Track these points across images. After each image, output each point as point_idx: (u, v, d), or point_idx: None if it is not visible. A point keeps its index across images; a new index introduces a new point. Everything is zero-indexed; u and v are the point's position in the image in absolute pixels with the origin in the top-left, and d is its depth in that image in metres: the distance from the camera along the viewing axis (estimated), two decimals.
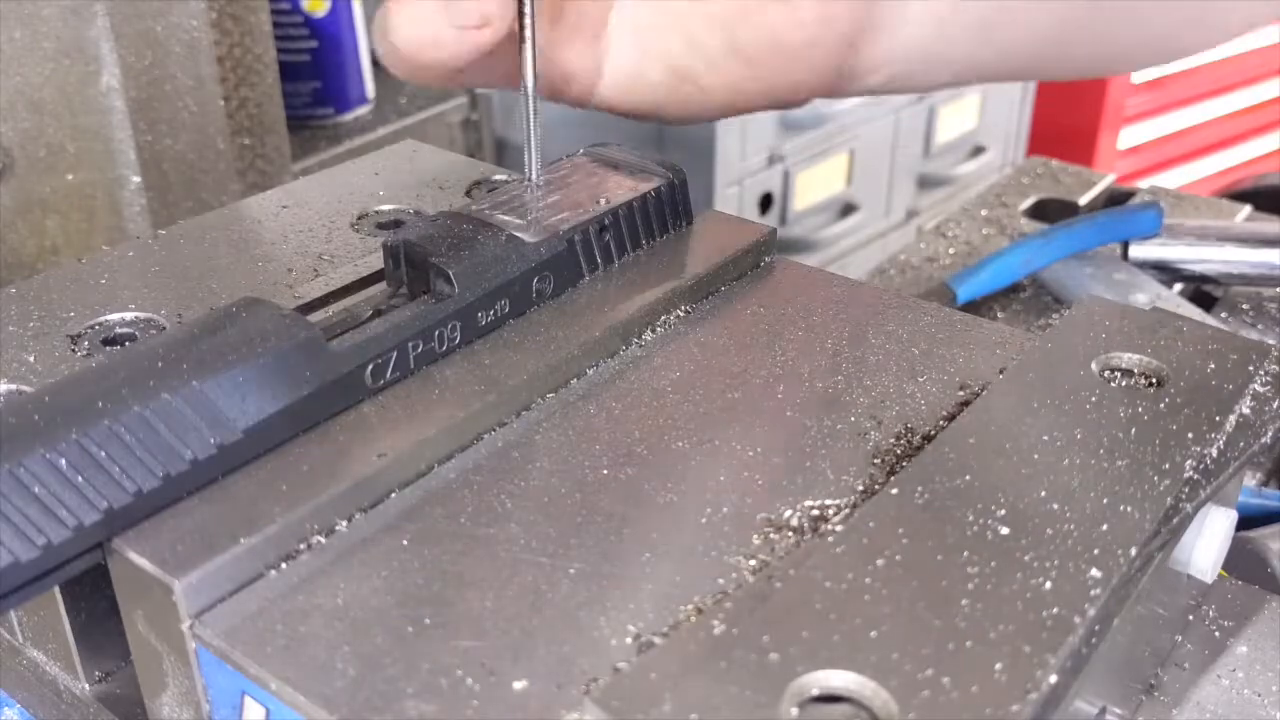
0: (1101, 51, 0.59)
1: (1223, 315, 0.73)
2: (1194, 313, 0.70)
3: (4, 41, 0.77)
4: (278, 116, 1.01)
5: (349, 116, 1.29)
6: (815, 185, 1.64)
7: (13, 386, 0.40)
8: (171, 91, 0.86)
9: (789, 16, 0.51)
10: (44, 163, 0.82)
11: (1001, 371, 0.41)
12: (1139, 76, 2.02)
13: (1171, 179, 2.16)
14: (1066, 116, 2.04)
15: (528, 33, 0.46)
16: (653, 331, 0.45)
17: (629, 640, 0.31)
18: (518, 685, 0.30)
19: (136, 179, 0.85)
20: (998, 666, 0.28)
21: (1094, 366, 0.40)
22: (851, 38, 0.53)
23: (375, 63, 1.33)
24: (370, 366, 0.38)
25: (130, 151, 0.84)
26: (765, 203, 1.58)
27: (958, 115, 1.82)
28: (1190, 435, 0.37)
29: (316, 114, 1.27)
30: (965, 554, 0.32)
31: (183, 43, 0.86)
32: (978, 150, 1.89)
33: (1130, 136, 2.11)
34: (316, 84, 1.26)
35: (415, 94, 1.36)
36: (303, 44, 1.24)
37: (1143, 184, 0.94)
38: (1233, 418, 0.38)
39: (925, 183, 1.83)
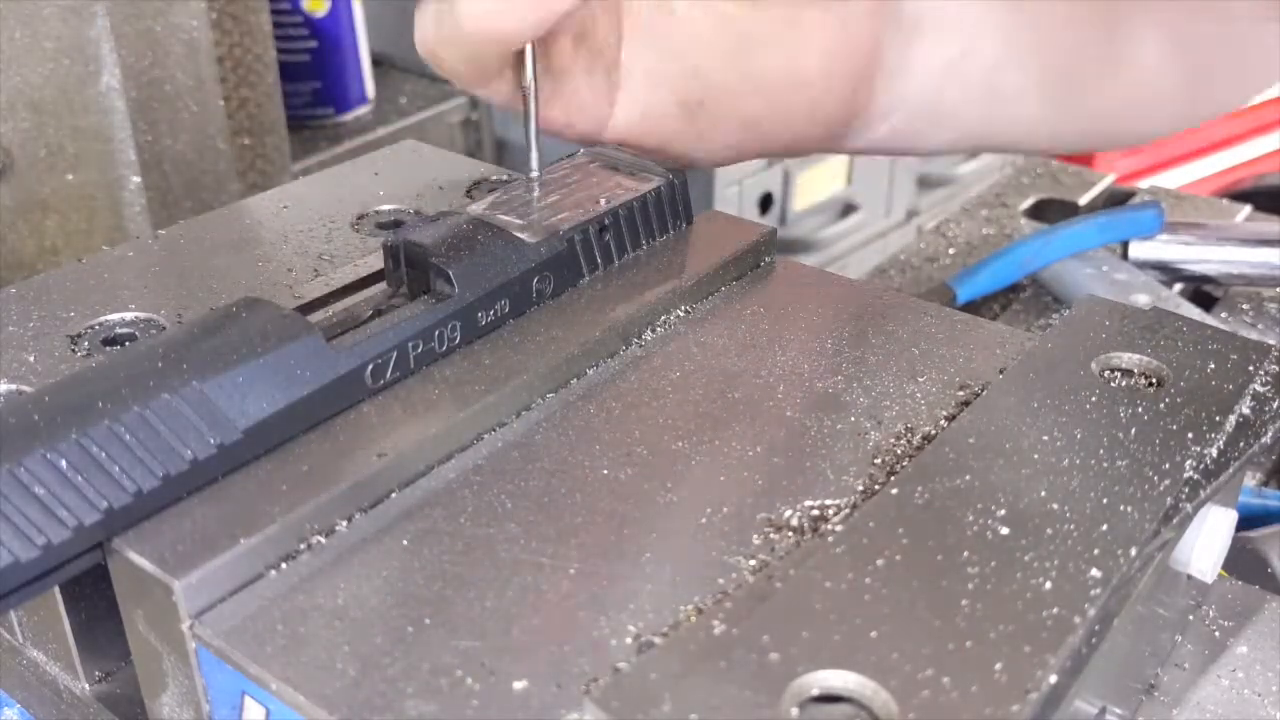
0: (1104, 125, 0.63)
1: (1223, 315, 0.73)
2: (1194, 313, 0.70)
3: (4, 41, 0.77)
4: (278, 117, 1.01)
5: (349, 116, 1.29)
6: (815, 185, 1.64)
7: (13, 386, 0.40)
8: (171, 92, 0.86)
9: (802, 43, 0.52)
10: (44, 163, 0.82)
11: (1001, 371, 0.41)
12: None
13: (1172, 179, 2.15)
14: None
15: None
16: (653, 331, 0.45)
17: (629, 640, 0.31)
18: (518, 685, 0.30)
19: (136, 179, 0.85)
20: (998, 666, 0.28)
21: (1094, 366, 0.40)
22: (860, 74, 0.54)
23: (376, 62, 1.33)
24: (370, 366, 0.38)
25: (130, 152, 0.84)
26: (765, 203, 1.58)
27: None
28: (1190, 435, 0.37)
29: (316, 114, 1.27)
30: (965, 554, 0.32)
31: (183, 43, 0.86)
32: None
33: None
34: (316, 84, 1.26)
35: (415, 94, 1.36)
36: (302, 44, 1.24)
37: (1143, 184, 0.94)
38: (1233, 418, 0.38)
39: (925, 183, 1.82)
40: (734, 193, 1.52)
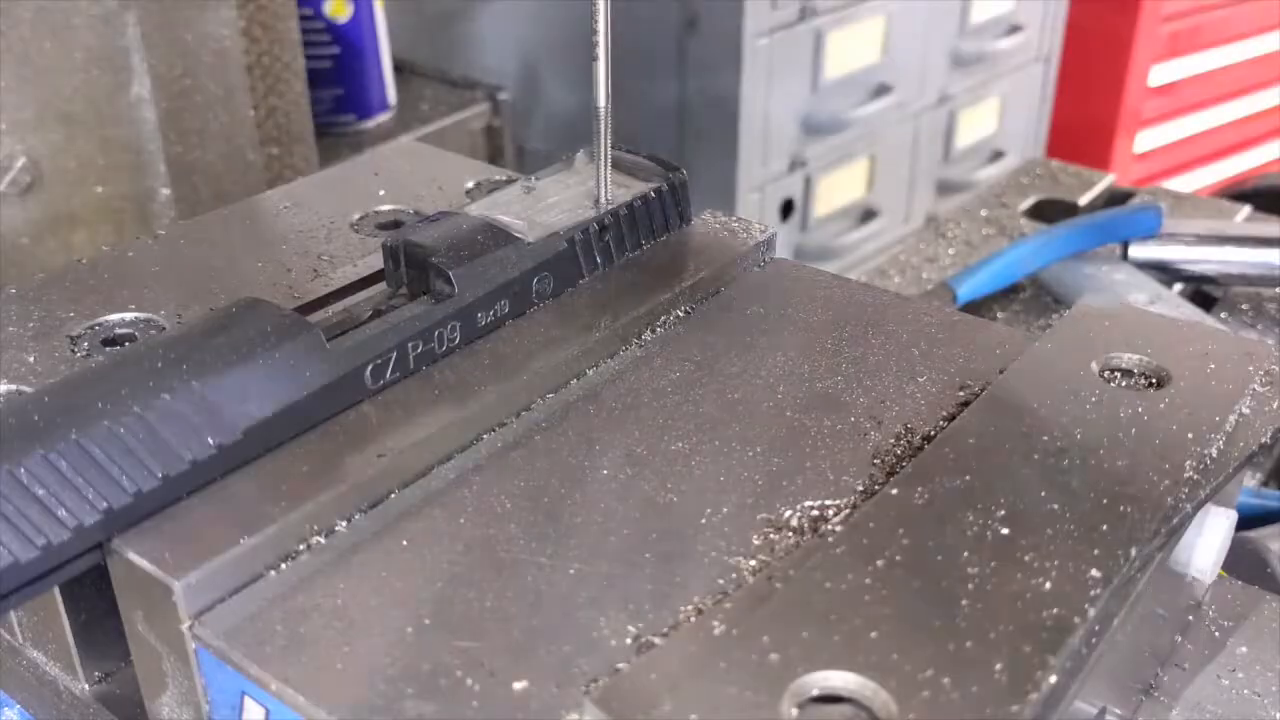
0: None
1: (1223, 315, 0.73)
2: (1194, 313, 0.70)
3: (34, 52, 0.77)
4: (305, 125, 1.00)
5: (371, 123, 1.28)
6: (836, 191, 1.63)
7: (13, 386, 0.40)
8: (202, 102, 0.85)
9: None
10: (74, 175, 0.81)
11: (1001, 371, 0.41)
12: (1155, 79, 2.02)
13: (1188, 183, 2.14)
14: (1084, 121, 2.03)
15: (600, 50, 0.44)
16: (653, 331, 0.45)
17: (629, 640, 0.31)
18: (518, 685, 0.30)
19: (166, 191, 0.85)
20: (998, 666, 0.28)
21: (1094, 366, 0.40)
22: None
23: (397, 69, 1.33)
24: (370, 366, 0.38)
25: (160, 163, 0.84)
26: (787, 209, 1.58)
27: (977, 119, 1.82)
28: (1190, 435, 0.37)
29: (339, 121, 1.26)
30: (965, 554, 0.32)
31: (213, 52, 0.85)
32: (997, 155, 1.89)
33: (1147, 140, 2.10)
34: (339, 90, 1.25)
35: (436, 100, 1.36)
36: (325, 50, 1.23)
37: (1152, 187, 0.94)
38: (1233, 418, 0.38)
39: (945, 188, 1.82)
40: (755, 199, 1.52)
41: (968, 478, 0.35)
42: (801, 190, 1.59)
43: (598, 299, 0.45)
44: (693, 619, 0.32)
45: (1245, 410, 0.38)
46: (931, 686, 0.27)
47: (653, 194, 0.48)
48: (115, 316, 0.45)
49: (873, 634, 0.29)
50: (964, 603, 0.30)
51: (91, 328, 0.44)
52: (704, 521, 0.35)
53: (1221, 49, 2.05)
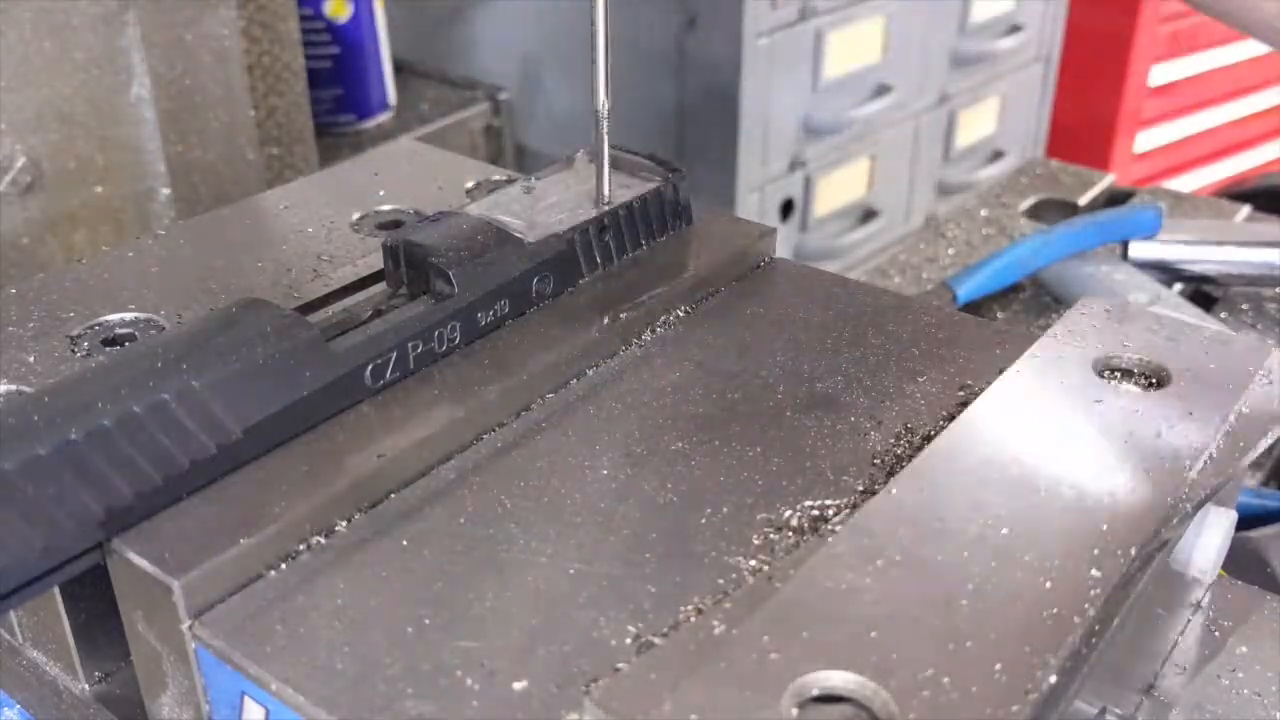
0: None
1: (1223, 315, 0.73)
2: (1194, 313, 0.70)
3: (33, 52, 0.76)
4: (305, 125, 1.00)
5: (371, 123, 1.28)
6: (836, 191, 1.63)
7: (13, 387, 0.40)
8: (202, 102, 0.85)
9: None
10: (74, 175, 0.81)
11: (1001, 371, 0.41)
12: (1155, 79, 2.02)
13: (1188, 183, 2.14)
14: (1084, 121, 2.03)
15: (600, 50, 0.44)
16: (653, 331, 0.45)
17: (629, 640, 0.31)
18: (518, 685, 0.30)
19: (166, 191, 0.84)
20: (998, 666, 0.28)
21: (1094, 366, 0.40)
22: None
23: (397, 69, 1.33)
24: (370, 366, 0.38)
25: (160, 163, 0.84)
26: (787, 209, 1.57)
27: (977, 119, 1.82)
28: (1190, 435, 0.37)
29: (339, 121, 1.26)
30: (965, 554, 0.32)
31: (213, 52, 0.85)
32: (997, 155, 1.89)
33: (1147, 140, 2.11)
34: (339, 91, 1.25)
35: (437, 100, 1.36)
36: (325, 50, 1.23)
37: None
38: (1232, 418, 0.38)
39: (945, 188, 1.82)
40: (755, 199, 1.52)
41: (968, 478, 0.35)
42: (801, 190, 1.59)
43: (598, 299, 0.45)
44: (693, 619, 0.32)
45: (1245, 410, 0.38)
46: (931, 686, 0.27)
47: (653, 194, 0.48)
48: (115, 316, 0.45)
49: (873, 634, 0.29)
50: (964, 603, 0.30)
51: (91, 328, 0.44)
52: (704, 521, 0.35)
53: (1221, 49, 2.05)
